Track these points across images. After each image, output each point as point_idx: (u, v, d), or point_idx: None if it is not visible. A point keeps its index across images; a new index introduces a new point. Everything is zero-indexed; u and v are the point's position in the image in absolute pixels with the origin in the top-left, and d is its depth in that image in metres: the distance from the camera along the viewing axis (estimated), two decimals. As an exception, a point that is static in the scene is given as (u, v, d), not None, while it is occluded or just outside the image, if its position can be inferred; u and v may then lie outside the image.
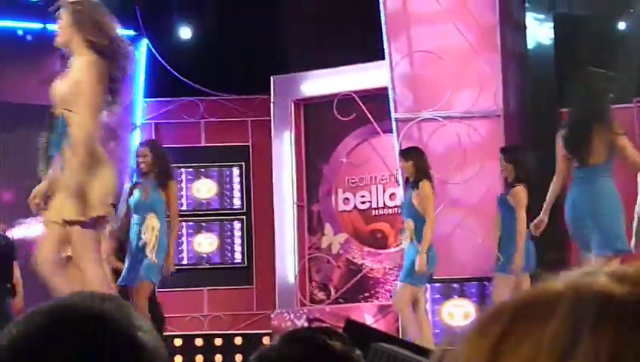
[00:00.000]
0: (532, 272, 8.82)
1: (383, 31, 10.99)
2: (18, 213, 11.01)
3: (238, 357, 10.99)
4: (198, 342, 11.07)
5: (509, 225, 8.94)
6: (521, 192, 8.94)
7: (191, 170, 13.37)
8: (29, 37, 12.93)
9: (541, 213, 8.21)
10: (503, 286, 8.77)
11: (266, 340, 10.95)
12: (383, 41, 11.06)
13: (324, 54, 12.24)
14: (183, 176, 13.29)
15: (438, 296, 10.25)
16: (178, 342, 11.01)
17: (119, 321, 1.31)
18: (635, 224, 8.45)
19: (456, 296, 10.26)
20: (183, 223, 13.25)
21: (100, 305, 1.32)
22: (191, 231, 13.31)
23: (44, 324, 1.29)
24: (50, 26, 12.95)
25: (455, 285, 10.29)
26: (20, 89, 12.70)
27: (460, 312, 10.19)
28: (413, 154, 9.36)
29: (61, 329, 1.29)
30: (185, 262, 13.15)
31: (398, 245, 11.32)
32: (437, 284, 10.24)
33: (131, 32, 13.35)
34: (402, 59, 10.91)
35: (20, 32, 12.90)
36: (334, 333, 2.15)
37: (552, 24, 11.72)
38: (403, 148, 10.11)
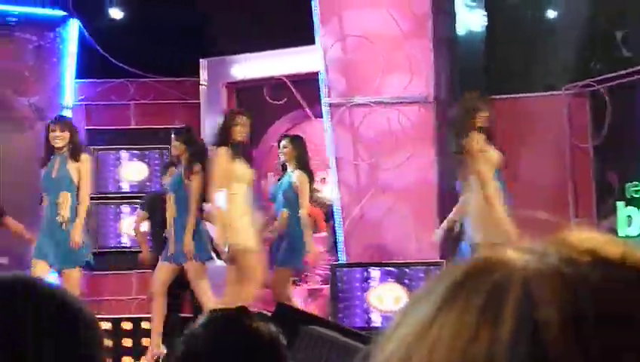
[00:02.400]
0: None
1: (315, 15, 10.99)
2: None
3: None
4: (126, 325, 11.00)
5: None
6: None
7: (121, 152, 13.28)
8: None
9: None
10: None
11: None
12: (314, 26, 11.06)
13: (256, 38, 12.21)
14: (113, 158, 13.21)
15: (369, 279, 10.30)
16: (107, 326, 10.94)
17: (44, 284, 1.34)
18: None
19: (387, 280, 10.31)
20: (114, 206, 13.17)
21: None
22: (122, 213, 13.23)
23: None
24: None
25: (382, 269, 10.35)
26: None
27: (390, 296, 10.25)
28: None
29: None
30: (113, 244, 13.10)
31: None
32: (364, 269, 10.30)
33: (62, 13, 13.21)
34: (334, 43, 10.91)
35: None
36: (260, 316, 2.15)
37: (483, 11, 11.82)
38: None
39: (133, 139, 13.30)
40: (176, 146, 9.68)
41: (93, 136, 13.25)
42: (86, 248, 9.01)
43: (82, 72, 13.28)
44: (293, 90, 12.17)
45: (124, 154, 13.31)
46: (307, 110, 12.16)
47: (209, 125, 12.69)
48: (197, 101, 12.85)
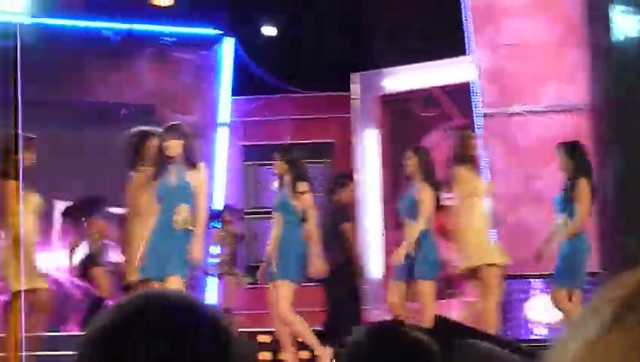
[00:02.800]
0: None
1: (467, 25, 10.93)
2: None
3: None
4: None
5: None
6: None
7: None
8: (115, 37, 13.14)
9: None
10: None
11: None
12: (466, 36, 11.00)
13: (407, 50, 12.21)
14: (269, 173, 13.40)
15: (523, 291, 10.16)
16: (265, 339, 11.09)
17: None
18: None
19: (540, 292, 10.15)
20: (270, 220, 13.36)
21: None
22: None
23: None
24: (137, 26, 13.21)
25: (539, 281, 10.18)
26: (110, 88, 12.93)
27: (543, 308, 10.09)
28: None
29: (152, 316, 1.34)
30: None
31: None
32: (522, 280, 10.15)
33: (217, 32, 13.51)
34: (487, 53, 10.83)
35: (108, 33, 13.11)
36: (417, 328, 2.17)
37: (638, 17, 11.53)
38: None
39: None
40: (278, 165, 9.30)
41: (249, 152, 13.49)
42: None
43: (237, 89, 13.55)
44: (446, 101, 12.12)
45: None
46: (460, 121, 12.09)
47: (360, 139, 12.77)
48: (349, 115, 12.93)
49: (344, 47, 12.51)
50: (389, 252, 12.61)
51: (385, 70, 12.76)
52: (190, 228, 7.75)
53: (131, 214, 8.39)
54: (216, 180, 13.34)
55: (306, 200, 8.88)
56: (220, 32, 13.52)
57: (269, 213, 13.30)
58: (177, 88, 13.38)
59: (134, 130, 8.65)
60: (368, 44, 12.85)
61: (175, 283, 7.51)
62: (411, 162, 9.20)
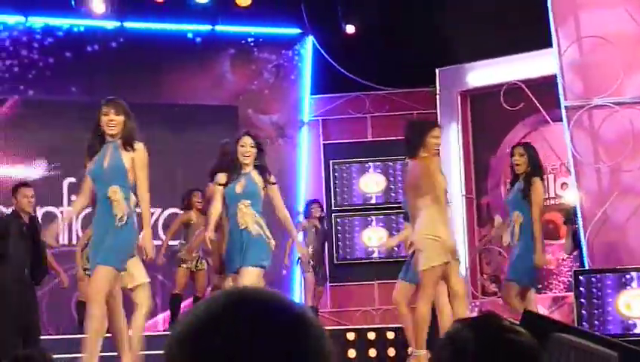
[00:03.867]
0: None
1: (550, 17, 10.79)
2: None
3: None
4: (371, 335, 11.12)
5: None
6: None
7: (358, 165, 13.48)
8: (198, 39, 13.27)
9: None
10: None
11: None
12: (549, 28, 10.86)
13: (489, 44, 12.11)
14: (351, 171, 13.43)
15: (614, 286, 10.00)
16: (351, 336, 11.10)
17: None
18: None
19: (632, 286, 9.98)
20: (351, 218, 13.37)
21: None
22: (358, 225, 13.41)
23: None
24: (219, 28, 13.31)
25: (631, 274, 10.01)
26: (193, 90, 13.05)
27: (637, 303, 9.91)
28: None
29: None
30: (355, 256, 13.29)
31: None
32: (612, 274, 9.98)
33: (298, 31, 13.56)
34: (570, 45, 10.67)
35: (190, 35, 13.24)
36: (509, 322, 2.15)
37: None
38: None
39: (370, 152, 13.46)
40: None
41: (331, 150, 13.51)
42: None
43: (318, 88, 13.58)
44: (530, 94, 11.99)
45: (361, 166, 13.50)
46: (545, 114, 11.95)
47: (445, 135, 12.69)
48: (432, 111, 12.86)
49: (427, 42, 12.44)
50: (472, 247, 12.53)
51: (468, 65, 12.67)
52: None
53: None
54: (299, 179, 13.38)
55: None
56: (301, 31, 13.57)
57: (351, 210, 13.36)
58: (259, 88, 13.46)
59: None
60: (451, 38, 12.76)
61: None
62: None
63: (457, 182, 12.56)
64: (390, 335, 11.07)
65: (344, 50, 13.30)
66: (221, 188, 8.11)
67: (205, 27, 13.25)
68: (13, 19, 12.56)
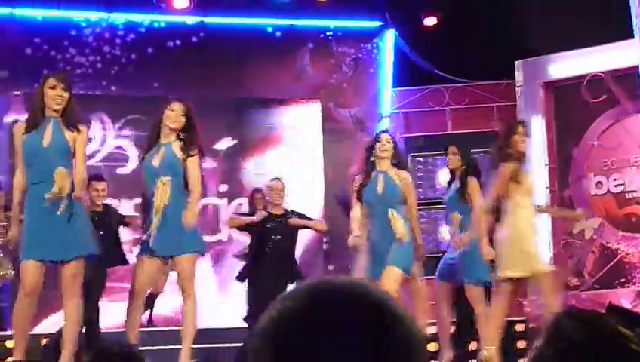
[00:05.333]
0: None
1: (632, 8, 10.61)
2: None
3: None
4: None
5: None
6: None
7: (438, 158, 13.40)
8: (277, 33, 13.31)
9: None
10: None
11: (519, 327, 10.82)
12: (632, 19, 10.68)
13: (571, 35, 11.94)
14: (431, 164, 13.36)
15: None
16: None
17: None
18: None
19: None
20: (433, 211, 13.30)
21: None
22: (439, 219, 13.33)
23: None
24: (298, 22, 13.34)
25: None
26: (274, 84, 13.10)
27: None
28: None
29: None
30: (439, 249, 13.22)
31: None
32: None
33: (378, 23, 13.53)
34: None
35: (269, 29, 13.30)
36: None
37: None
38: None
39: (449, 144, 13.35)
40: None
41: (411, 143, 13.46)
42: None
43: (397, 81, 13.53)
44: (612, 86, 11.80)
45: (441, 159, 13.41)
46: (627, 106, 11.76)
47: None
48: (512, 103, 12.74)
49: (506, 33, 12.32)
50: (557, 240, 12.38)
51: (550, 56, 12.52)
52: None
53: None
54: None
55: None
56: (381, 24, 13.54)
57: (431, 203, 13.28)
58: (338, 82, 13.46)
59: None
60: (531, 29, 12.62)
61: None
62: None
63: (540, 174, 12.42)
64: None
65: (423, 43, 13.23)
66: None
67: (285, 21, 13.29)
68: (95, 15, 12.74)
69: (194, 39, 13.06)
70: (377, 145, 8.09)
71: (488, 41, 12.31)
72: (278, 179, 10.08)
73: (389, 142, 8.13)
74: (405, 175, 8.18)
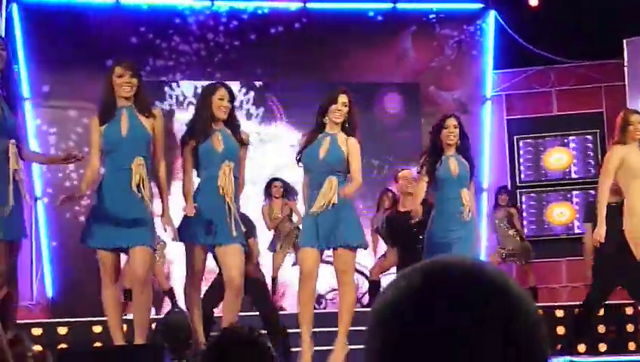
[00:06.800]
0: None
1: None
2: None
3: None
4: (559, 313, 10.91)
5: None
6: None
7: (543, 140, 13.24)
8: (379, 17, 13.28)
9: None
10: None
11: (628, 310, 10.66)
12: None
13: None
14: (536, 146, 13.21)
15: None
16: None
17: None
18: None
19: None
20: (537, 194, 13.14)
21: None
22: (546, 201, 13.18)
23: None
24: (400, 5, 13.30)
25: None
26: (375, 68, 13.07)
27: None
28: None
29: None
30: (543, 233, 13.08)
31: None
32: None
33: (480, 5, 13.40)
34: None
35: (371, 14, 13.27)
36: None
37: None
38: None
39: (555, 126, 13.20)
40: None
41: (515, 125, 13.32)
42: None
43: (500, 62, 13.39)
44: None
45: (546, 142, 13.26)
46: None
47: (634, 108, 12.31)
48: (621, 83, 12.50)
49: (613, 12, 12.06)
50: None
51: (657, 35, 12.25)
52: None
53: None
54: (482, 155, 13.24)
55: None
56: (483, 6, 13.40)
57: (537, 186, 13.13)
58: (440, 65, 13.38)
59: None
60: (638, 7, 12.35)
61: None
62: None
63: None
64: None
65: (527, 24, 13.05)
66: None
67: (386, 5, 13.25)
68: (199, 3, 12.88)
69: (296, 25, 13.12)
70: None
71: (594, 20, 12.09)
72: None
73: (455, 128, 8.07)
74: None
